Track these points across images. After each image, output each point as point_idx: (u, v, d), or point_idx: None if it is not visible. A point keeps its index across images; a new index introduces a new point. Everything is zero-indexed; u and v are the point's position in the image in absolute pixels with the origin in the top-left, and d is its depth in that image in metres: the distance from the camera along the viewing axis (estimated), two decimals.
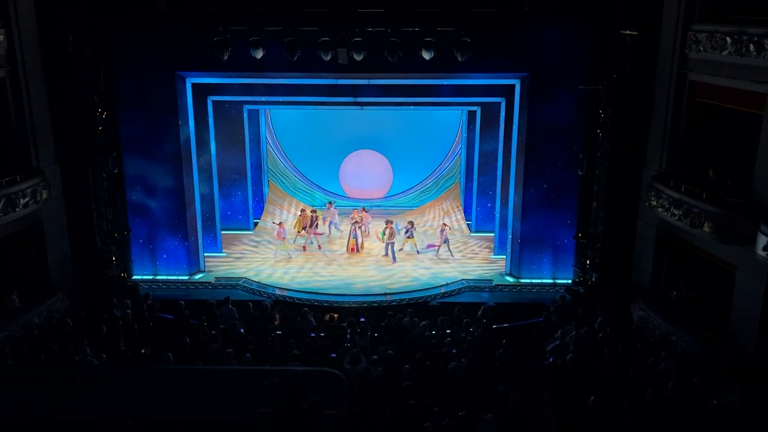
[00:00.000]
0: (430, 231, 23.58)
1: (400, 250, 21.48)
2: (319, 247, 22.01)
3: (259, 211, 24.65)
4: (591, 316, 15.80)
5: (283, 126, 26.35)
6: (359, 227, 21.80)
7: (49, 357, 13.84)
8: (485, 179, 22.88)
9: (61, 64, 16.78)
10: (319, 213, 22.92)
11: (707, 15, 14.98)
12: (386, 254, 21.19)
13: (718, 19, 14.62)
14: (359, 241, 21.75)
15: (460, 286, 19.11)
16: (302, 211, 22.67)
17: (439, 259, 21.19)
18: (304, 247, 22.02)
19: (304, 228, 21.94)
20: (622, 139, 16.98)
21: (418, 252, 21.60)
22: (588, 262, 18.33)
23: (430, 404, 12.08)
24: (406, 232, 21.40)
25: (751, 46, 13.48)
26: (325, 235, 22.92)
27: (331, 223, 23.22)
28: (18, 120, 16.46)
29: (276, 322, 16.30)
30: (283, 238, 21.42)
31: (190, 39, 17.26)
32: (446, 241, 21.18)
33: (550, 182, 18.53)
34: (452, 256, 21.14)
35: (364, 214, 22.49)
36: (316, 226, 22.19)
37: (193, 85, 18.91)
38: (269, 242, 22.41)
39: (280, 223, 22.02)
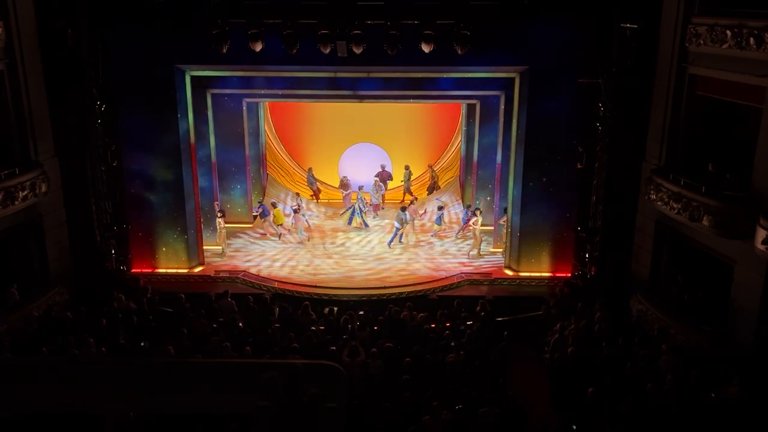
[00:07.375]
0: (428, 224, 23.60)
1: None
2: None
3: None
4: (590, 309, 15.82)
5: (282, 119, 26.30)
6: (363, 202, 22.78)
7: (49, 350, 13.84)
8: (484, 173, 22.85)
9: (60, 57, 16.72)
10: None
11: (707, 8, 14.93)
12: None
13: (718, 12, 14.57)
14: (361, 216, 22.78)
15: (459, 280, 19.12)
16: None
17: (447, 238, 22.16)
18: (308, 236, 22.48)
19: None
20: (622, 132, 16.97)
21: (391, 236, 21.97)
22: (587, 256, 18.35)
23: (429, 397, 12.10)
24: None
25: (752, 39, 13.45)
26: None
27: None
28: (17, 113, 16.40)
29: (275, 315, 16.31)
30: (304, 223, 22.08)
31: (188, 32, 17.18)
32: (439, 219, 22.35)
33: (549, 176, 18.49)
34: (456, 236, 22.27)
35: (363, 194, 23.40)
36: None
37: (192, 78, 18.85)
38: (275, 237, 22.53)
39: (297, 209, 22.19)
